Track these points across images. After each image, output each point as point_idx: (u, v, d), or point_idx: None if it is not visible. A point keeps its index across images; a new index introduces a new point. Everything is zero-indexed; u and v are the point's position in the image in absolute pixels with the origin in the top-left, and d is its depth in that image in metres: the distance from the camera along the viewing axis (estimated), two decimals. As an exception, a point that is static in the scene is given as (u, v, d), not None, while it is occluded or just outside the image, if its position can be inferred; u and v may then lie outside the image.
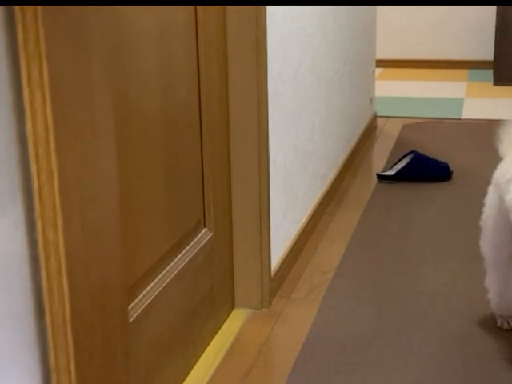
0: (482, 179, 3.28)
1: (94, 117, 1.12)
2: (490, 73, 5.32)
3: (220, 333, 1.94)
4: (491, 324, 1.98)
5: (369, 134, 3.83)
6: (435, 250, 2.47)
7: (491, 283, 1.89)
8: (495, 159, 3.54)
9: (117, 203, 1.22)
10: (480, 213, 2.85)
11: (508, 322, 1.91)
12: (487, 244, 1.85)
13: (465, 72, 5.73)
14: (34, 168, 1.02)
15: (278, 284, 2.17)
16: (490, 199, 1.85)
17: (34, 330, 1.06)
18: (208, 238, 1.83)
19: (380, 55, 5.06)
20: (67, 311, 1.05)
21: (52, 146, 1.01)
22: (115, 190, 1.20)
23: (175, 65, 1.61)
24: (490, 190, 1.87)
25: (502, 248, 1.80)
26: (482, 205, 2.91)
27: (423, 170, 3.11)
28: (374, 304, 2.10)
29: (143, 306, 1.48)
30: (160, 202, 1.57)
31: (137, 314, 1.45)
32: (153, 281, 1.55)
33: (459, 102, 4.68)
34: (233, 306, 2.06)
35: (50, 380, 1.07)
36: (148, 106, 1.49)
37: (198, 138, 1.76)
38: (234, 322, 2.00)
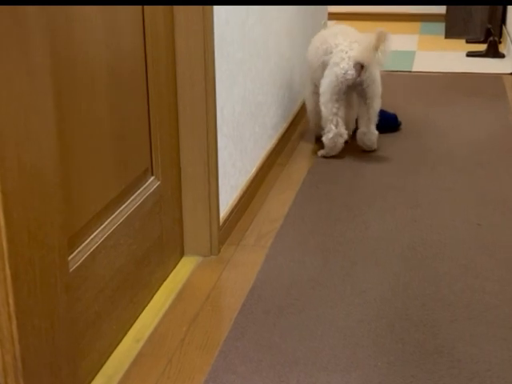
0: (430, 130, 3.35)
1: (28, 57, 1.12)
2: (442, 26, 5.38)
3: (169, 279, 1.98)
4: (430, 269, 2.05)
5: (321, 86, 3.85)
6: (382, 199, 2.53)
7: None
8: (442, 111, 3.62)
9: (54, 144, 1.22)
10: (425, 162, 2.93)
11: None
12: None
13: (417, 25, 5.77)
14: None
15: (227, 232, 2.21)
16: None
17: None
18: (156, 186, 1.85)
19: (334, 8, 5.07)
20: (5, 246, 1.07)
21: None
22: (52, 131, 1.21)
23: (119, 10, 1.61)
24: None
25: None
26: (427, 154, 2.99)
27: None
28: (320, 250, 2.16)
29: (90, 251, 1.50)
30: (105, 150, 1.58)
31: (83, 258, 1.47)
32: (100, 226, 1.57)
33: (411, 55, 4.73)
34: (182, 254, 2.09)
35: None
36: (92, 51, 1.49)
37: (143, 86, 1.77)
38: (183, 269, 2.04)
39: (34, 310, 1.15)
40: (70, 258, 1.42)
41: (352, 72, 2.75)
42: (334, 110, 2.80)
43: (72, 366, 1.32)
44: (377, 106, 2.89)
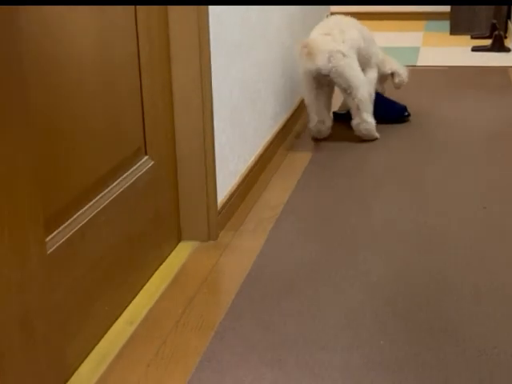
0: (435, 121, 3.30)
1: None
2: (446, 24, 5.32)
3: (166, 263, 1.92)
4: (435, 251, 1.99)
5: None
6: (386, 185, 2.47)
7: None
8: (448, 103, 3.56)
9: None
10: (431, 151, 2.88)
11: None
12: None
13: (422, 23, 5.72)
14: None
15: (225, 217, 2.15)
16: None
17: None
18: (149, 165, 1.80)
19: (339, 7, 5.02)
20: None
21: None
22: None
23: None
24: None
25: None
26: (433, 143, 2.93)
27: (381, 110, 3.02)
28: (322, 235, 2.10)
29: (78, 226, 1.45)
30: (95, 125, 1.53)
31: (70, 233, 1.42)
32: (89, 202, 1.52)
33: (415, 51, 4.68)
34: (179, 239, 2.04)
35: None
36: (84, 29, 1.45)
37: (136, 63, 1.72)
38: (181, 253, 1.98)
39: (1, 259, 1.11)
40: (55, 231, 1.37)
41: (314, 65, 2.72)
42: (312, 97, 2.86)
43: (47, 327, 1.25)
44: (361, 95, 2.82)
